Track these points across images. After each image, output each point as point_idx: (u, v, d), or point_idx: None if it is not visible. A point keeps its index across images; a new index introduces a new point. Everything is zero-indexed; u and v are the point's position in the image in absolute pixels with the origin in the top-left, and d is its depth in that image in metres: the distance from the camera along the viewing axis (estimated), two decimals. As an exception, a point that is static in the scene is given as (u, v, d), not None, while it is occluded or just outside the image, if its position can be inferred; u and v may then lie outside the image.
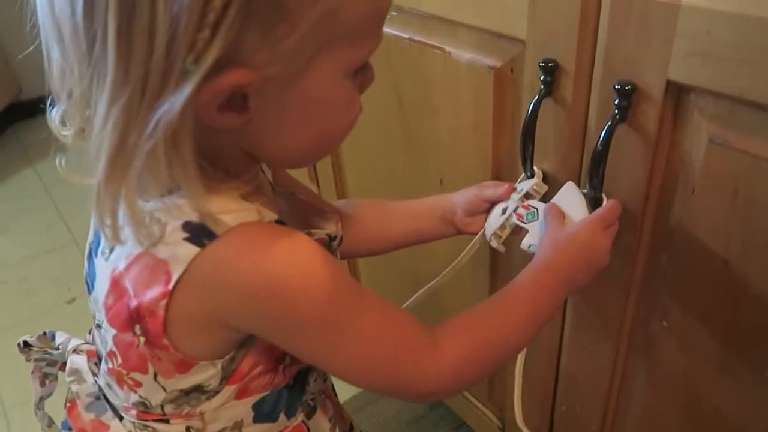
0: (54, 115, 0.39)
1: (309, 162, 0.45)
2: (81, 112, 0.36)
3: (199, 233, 0.37)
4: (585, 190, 0.53)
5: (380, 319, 0.43)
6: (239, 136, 0.39)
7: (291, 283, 0.38)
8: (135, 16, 0.30)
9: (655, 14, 0.42)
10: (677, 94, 0.45)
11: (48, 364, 0.55)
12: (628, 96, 0.46)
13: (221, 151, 0.40)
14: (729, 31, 0.39)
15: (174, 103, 0.32)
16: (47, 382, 0.56)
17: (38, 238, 1.75)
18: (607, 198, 0.52)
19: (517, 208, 0.57)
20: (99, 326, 0.45)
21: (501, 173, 0.66)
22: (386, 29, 0.69)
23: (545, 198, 0.58)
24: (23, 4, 0.36)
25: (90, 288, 0.47)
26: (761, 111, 0.41)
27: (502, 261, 0.72)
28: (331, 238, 0.49)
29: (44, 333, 0.54)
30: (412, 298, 0.67)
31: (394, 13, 0.68)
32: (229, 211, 0.38)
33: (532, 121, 0.56)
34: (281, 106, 0.37)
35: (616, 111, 0.47)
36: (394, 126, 0.78)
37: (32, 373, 0.55)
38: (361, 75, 0.41)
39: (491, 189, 0.60)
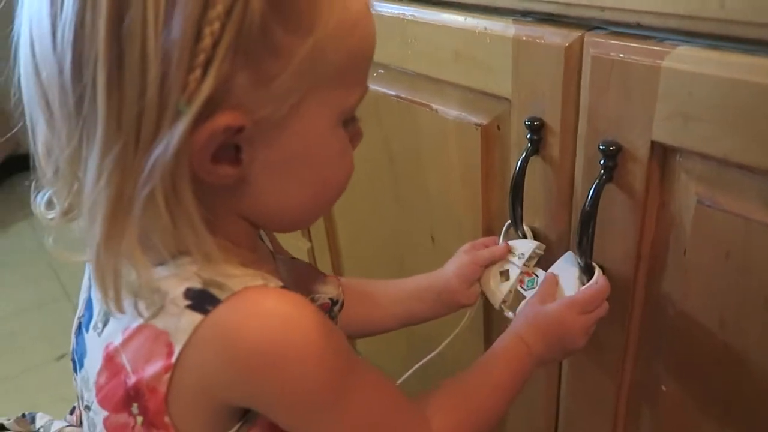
0: (39, 200, 0.38)
1: (308, 220, 0.44)
2: (69, 184, 0.36)
3: (202, 300, 0.36)
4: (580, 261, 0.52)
5: (377, 394, 0.42)
6: (236, 197, 0.38)
7: (294, 349, 0.36)
8: (125, 62, 0.30)
9: (635, 76, 0.42)
10: (663, 154, 0.44)
11: None
12: (613, 156, 0.46)
13: (221, 219, 0.39)
14: (711, 93, 0.39)
15: (168, 144, 0.31)
16: None
17: (29, 292, 1.73)
18: (600, 267, 0.51)
19: (521, 273, 0.56)
20: (87, 408, 0.42)
21: (492, 230, 0.65)
22: (374, 86, 0.71)
23: (543, 261, 0.57)
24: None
25: (78, 366, 0.44)
26: (749, 173, 0.40)
27: (496, 324, 0.70)
28: (333, 303, 0.49)
29: (23, 415, 0.51)
30: (408, 373, 0.64)
31: (381, 71, 0.69)
32: (234, 275, 0.37)
33: (520, 178, 0.55)
34: (274, 154, 0.37)
35: (602, 171, 0.46)
36: (386, 182, 0.78)
37: None
38: (351, 129, 0.40)
39: (486, 252, 0.59)
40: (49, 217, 0.38)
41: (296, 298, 0.38)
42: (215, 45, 0.31)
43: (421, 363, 0.64)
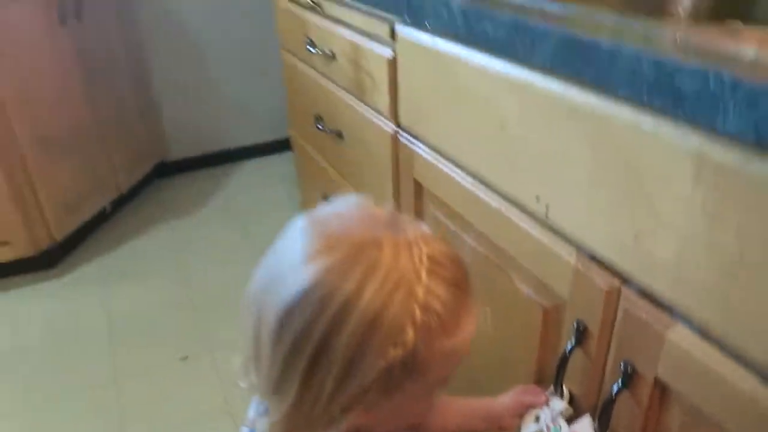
0: (240, 365, 0.55)
1: None
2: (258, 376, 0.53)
3: None
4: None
5: None
6: None
7: None
8: (318, 368, 0.47)
9: (646, 332, 0.58)
10: (662, 388, 0.60)
11: None
12: (629, 375, 0.61)
13: None
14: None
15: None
16: None
17: (157, 294, 1.83)
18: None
19: (549, 421, 0.74)
20: None
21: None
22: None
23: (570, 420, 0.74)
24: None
25: None
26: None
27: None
28: None
29: None
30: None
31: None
32: None
33: (564, 359, 0.72)
34: (374, 412, 0.51)
35: (622, 377, 0.62)
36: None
37: None
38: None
39: (530, 397, 0.77)
40: (242, 385, 0.55)
41: None
42: (366, 389, 0.47)
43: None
